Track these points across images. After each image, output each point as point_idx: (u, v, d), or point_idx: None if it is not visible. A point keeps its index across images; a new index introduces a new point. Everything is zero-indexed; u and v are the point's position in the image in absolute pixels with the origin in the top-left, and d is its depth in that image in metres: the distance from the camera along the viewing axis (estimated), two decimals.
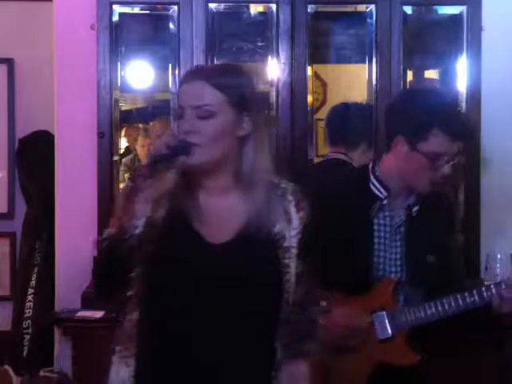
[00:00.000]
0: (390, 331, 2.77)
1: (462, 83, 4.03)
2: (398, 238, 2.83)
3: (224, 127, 2.14)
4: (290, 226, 2.21)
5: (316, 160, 4.56)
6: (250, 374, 2.18)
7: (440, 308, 2.76)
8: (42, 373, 4.13)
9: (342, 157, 3.82)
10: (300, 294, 2.22)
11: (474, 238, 3.96)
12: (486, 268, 2.97)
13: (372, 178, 2.83)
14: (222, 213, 2.17)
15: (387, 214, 2.82)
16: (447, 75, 4.17)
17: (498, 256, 2.93)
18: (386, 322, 2.78)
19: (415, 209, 2.82)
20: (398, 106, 2.86)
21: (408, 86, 4.01)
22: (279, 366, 2.22)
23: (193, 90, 2.15)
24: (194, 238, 2.15)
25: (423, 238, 2.81)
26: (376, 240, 2.81)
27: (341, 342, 2.73)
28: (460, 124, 2.75)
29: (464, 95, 4.01)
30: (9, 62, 4.85)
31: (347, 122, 3.93)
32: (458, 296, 2.76)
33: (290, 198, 2.24)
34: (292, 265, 2.19)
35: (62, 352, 4.01)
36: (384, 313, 2.78)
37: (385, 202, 2.80)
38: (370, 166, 2.88)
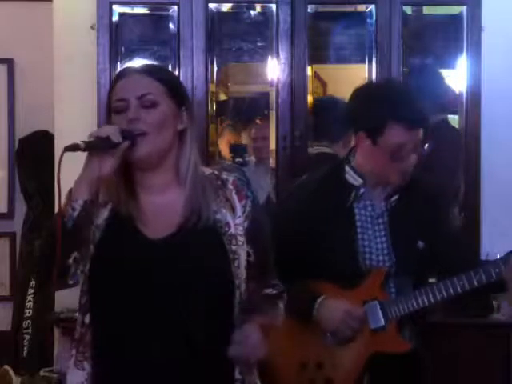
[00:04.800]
0: (382, 320, 2.79)
1: (462, 83, 4.03)
2: (382, 228, 2.84)
3: (166, 117, 2.18)
4: (235, 214, 2.23)
5: None
6: (210, 369, 2.16)
7: (431, 294, 2.78)
8: (42, 373, 4.14)
9: (326, 149, 3.87)
10: (253, 282, 2.23)
11: (474, 238, 3.96)
12: None
13: (347, 168, 2.87)
14: (162, 209, 2.19)
15: (368, 203, 2.84)
16: (447, 75, 4.17)
17: (498, 256, 2.93)
18: (379, 311, 2.79)
19: (394, 198, 2.85)
20: (352, 104, 2.92)
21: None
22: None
23: (133, 82, 2.19)
24: (135, 237, 2.16)
25: (409, 226, 2.83)
26: (359, 230, 2.83)
27: (336, 330, 2.76)
28: (412, 111, 2.78)
29: (464, 95, 4.02)
30: (9, 62, 4.84)
31: (331, 116, 3.98)
32: (448, 281, 2.77)
33: (231, 187, 2.26)
34: (241, 252, 2.21)
35: (62, 352, 4.01)
36: (376, 302, 2.79)
37: (362, 190, 2.83)
38: (345, 157, 2.93)
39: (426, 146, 2.89)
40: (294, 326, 2.79)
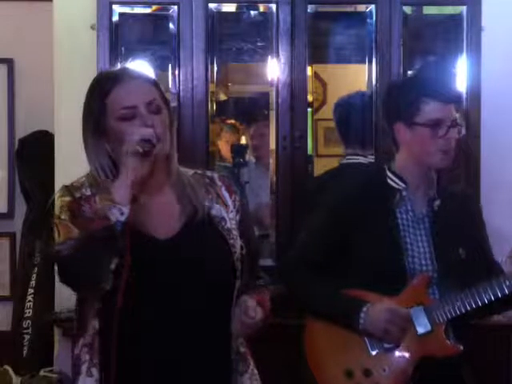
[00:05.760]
0: (428, 325, 2.77)
1: (462, 83, 4.03)
2: (423, 233, 2.83)
3: (166, 121, 2.21)
4: (227, 208, 2.28)
5: (316, 160, 4.56)
6: (212, 363, 2.19)
7: (477, 296, 2.74)
8: (42, 373, 4.14)
9: (361, 159, 3.76)
10: (245, 275, 2.26)
11: None
12: None
13: (388, 173, 2.86)
14: (162, 208, 2.21)
15: (409, 208, 2.83)
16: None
17: (500, 259, 2.93)
18: (424, 316, 2.77)
19: (437, 203, 2.84)
20: (385, 98, 2.94)
21: None
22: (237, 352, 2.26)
23: (137, 88, 2.20)
24: (145, 239, 2.16)
25: (451, 233, 2.82)
26: (401, 234, 2.81)
27: (383, 330, 2.75)
28: (444, 87, 2.80)
29: (464, 95, 4.02)
30: (9, 62, 4.84)
31: (360, 118, 3.91)
32: (494, 281, 2.74)
33: (219, 183, 2.32)
34: (236, 245, 2.25)
35: (62, 352, 4.01)
36: (421, 307, 2.77)
37: (404, 193, 2.82)
38: (385, 163, 2.93)
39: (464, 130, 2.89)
40: (336, 334, 2.81)
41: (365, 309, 2.75)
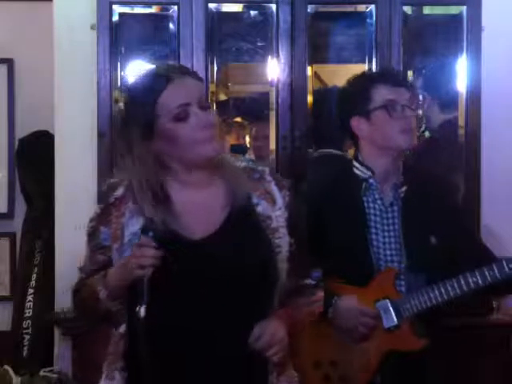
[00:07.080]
0: (395, 319, 2.78)
1: (461, 83, 4.03)
2: (391, 222, 2.84)
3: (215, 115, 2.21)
4: (275, 206, 2.21)
5: None
6: (248, 367, 2.15)
7: (443, 290, 2.75)
8: (42, 373, 4.13)
9: (332, 151, 3.80)
10: (294, 273, 2.21)
11: None
12: None
13: (355, 163, 2.90)
14: (199, 206, 2.15)
15: (377, 196, 2.85)
16: (447, 75, 4.17)
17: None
18: (391, 309, 2.78)
19: (403, 189, 2.85)
20: (337, 99, 3.03)
21: None
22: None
23: (187, 85, 2.14)
24: (176, 240, 2.11)
25: (420, 221, 2.82)
26: (368, 223, 2.83)
27: (351, 328, 2.76)
28: (392, 73, 2.97)
29: (464, 95, 4.02)
30: (9, 62, 4.84)
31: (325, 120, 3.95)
32: (461, 277, 2.75)
33: (269, 178, 2.26)
34: (283, 244, 2.19)
35: (62, 352, 4.01)
36: (387, 301, 2.78)
37: (371, 181, 2.84)
38: (353, 154, 2.97)
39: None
40: (307, 325, 2.80)
41: (333, 302, 2.76)
